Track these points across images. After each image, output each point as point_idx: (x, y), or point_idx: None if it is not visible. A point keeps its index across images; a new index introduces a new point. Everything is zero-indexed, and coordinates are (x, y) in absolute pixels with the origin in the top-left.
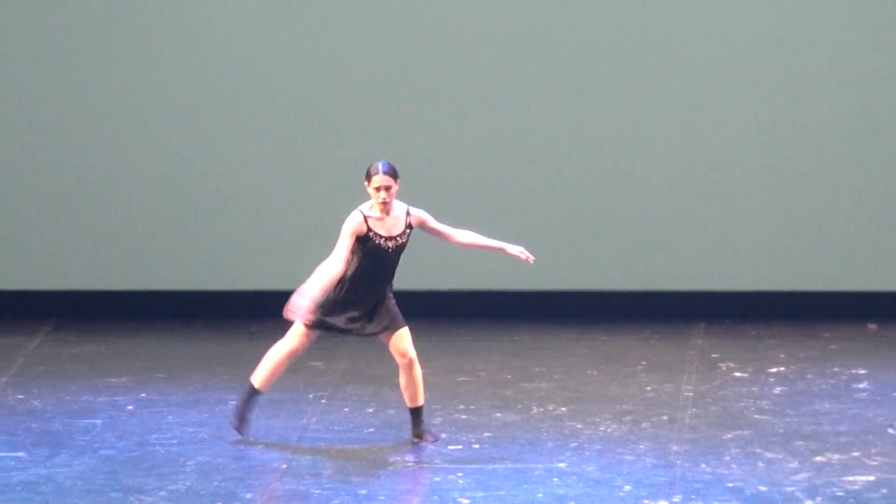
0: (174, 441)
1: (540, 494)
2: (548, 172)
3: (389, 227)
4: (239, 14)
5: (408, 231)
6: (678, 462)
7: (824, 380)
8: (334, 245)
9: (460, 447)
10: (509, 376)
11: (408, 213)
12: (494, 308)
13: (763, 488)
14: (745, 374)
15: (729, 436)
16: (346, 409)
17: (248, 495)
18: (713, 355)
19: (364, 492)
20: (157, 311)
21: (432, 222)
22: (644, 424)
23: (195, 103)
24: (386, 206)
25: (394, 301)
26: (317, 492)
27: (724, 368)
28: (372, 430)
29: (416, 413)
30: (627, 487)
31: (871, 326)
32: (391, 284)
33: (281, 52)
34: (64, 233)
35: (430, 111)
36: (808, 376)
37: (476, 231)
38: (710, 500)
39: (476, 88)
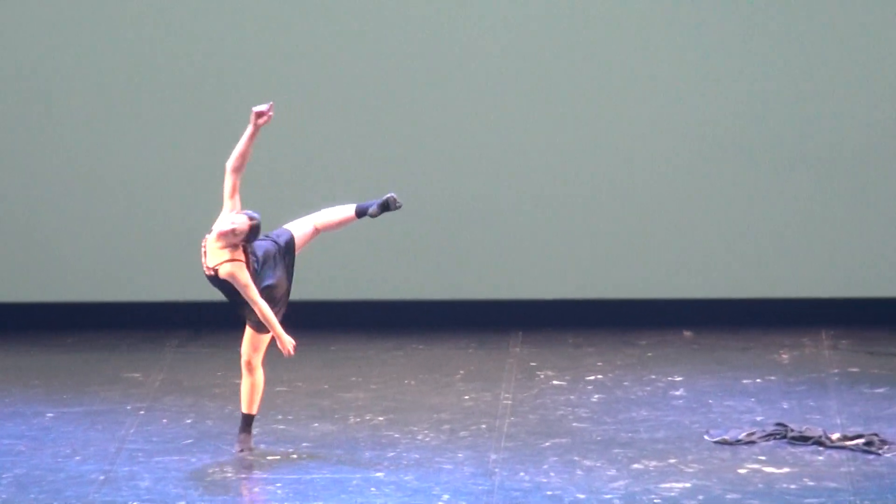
0: None
1: None
2: (378, 182)
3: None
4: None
5: (212, 272)
6: (496, 471)
7: (641, 387)
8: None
9: (278, 458)
10: (326, 386)
11: (244, 250)
12: (311, 318)
13: (581, 496)
14: (563, 382)
15: (547, 444)
16: (164, 421)
17: None
18: (531, 363)
19: (183, 503)
20: None
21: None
22: (462, 433)
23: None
24: (231, 243)
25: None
26: (135, 503)
27: (543, 377)
28: (190, 441)
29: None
30: (446, 496)
31: (687, 333)
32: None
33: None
34: None
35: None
36: (626, 384)
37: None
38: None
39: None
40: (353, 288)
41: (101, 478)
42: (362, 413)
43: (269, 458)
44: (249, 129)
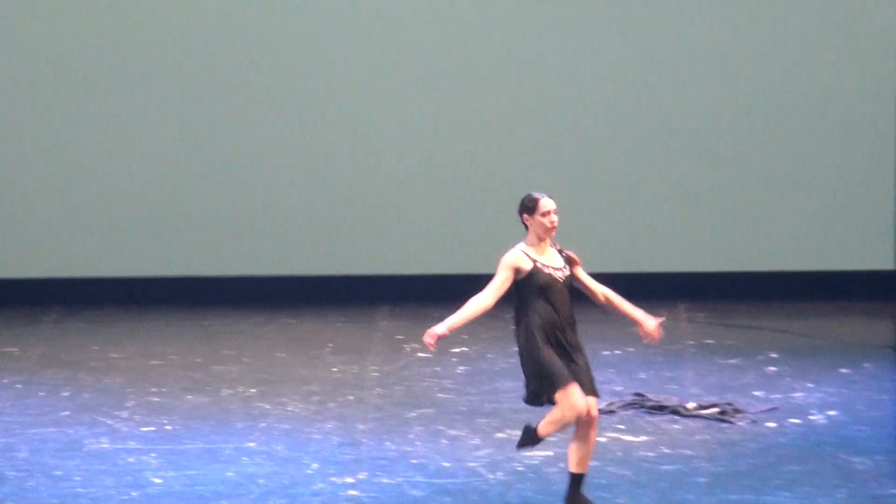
0: None
1: (230, 473)
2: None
3: (550, 258)
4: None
5: (567, 271)
6: (364, 440)
7: (504, 359)
8: None
9: (153, 428)
10: (199, 359)
11: (560, 250)
12: (184, 293)
13: (447, 464)
14: (429, 355)
15: (413, 414)
16: (41, 394)
17: None
18: (397, 337)
19: (59, 472)
20: None
21: (583, 275)
22: (331, 404)
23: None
24: (552, 229)
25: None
26: (12, 474)
27: (409, 349)
28: (67, 413)
29: (578, 480)
30: (315, 465)
31: None
32: (576, 332)
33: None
34: None
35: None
36: (490, 356)
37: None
38: (394, 476)
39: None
40: (224, 264)
41: None
42: (234, 385)
43: (143, 429)
44: (636, 313)
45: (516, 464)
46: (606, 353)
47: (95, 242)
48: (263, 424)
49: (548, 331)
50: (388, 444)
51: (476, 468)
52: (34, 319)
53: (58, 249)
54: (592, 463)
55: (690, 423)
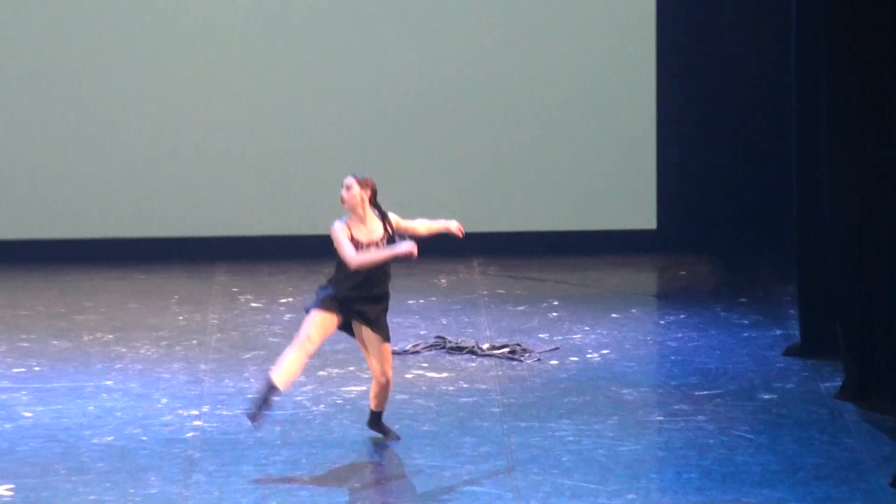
0: None
1: (91, 407)
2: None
3: (369, 230)
4: None
5: (386, 235)
6: (206, 378)
7: None
8: None
9: (24, 370)
10: (63, 310)
11: (387, 219)
12: (47, 252)
13: (276, 398)
14: (260, 305)
15: (248, 356)
16: None
17: None
18: (233, 289)
19: None
20: None
21: (403, 223)
22: (177, 348)
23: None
24: (343, 204)
25: (385, 308)
26: None
27: (243, 300)
28: None
29: (378, 415)
30: (164, 400)
31: None
32: (385, 288)
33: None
34: None
35: None
36: None
37: None
38: (233, 409)
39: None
40: (81, 227)
41: None
42: (94, 332)
43: (14, 370)
44: (440, 223)
45: (336, 398)
46: (411, 301)
47: None
48: (119, 365)
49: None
50: (226, 381)
51: (301, 402)
52: None
53: None
54: (401, 396)
55: (485, 361)
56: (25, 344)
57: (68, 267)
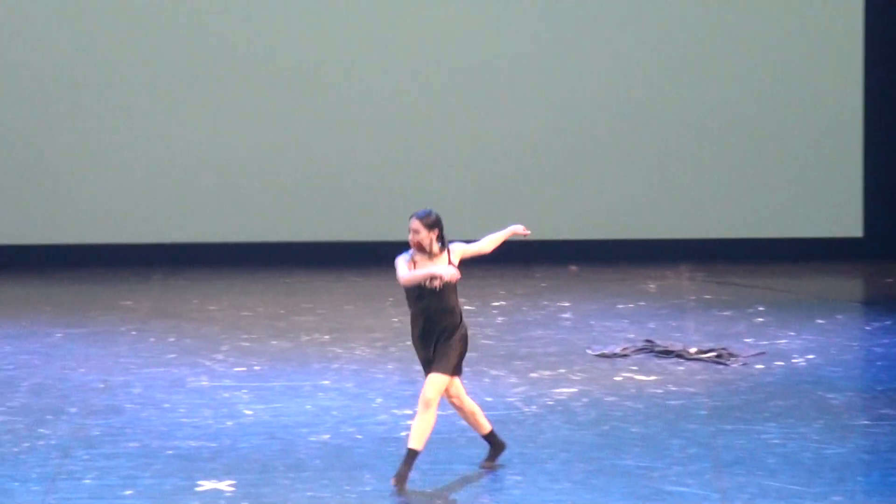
0: (10, 366)
1: (308, 406)
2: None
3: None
4: None
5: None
6: (419, 379)
7: (536, 311)
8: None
9: (244, 369)
10: (282, 311)
11: (448, 252)
12: (270, 255)
13: (489, 399)
14: (473, 307)
15: None
16: (151, 340)
17: (73, 409)
18: None
19: (167, 405)
20: None
21: (468, 250)
22: (392, 349)
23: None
24: (414, 246)
25: (456, 340)
26: (129, 406)
27: None
28: (173, 356)
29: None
30: (379, 400)
31: (573, 268)
32: (451, 323)
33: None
34: None
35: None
36: (524, 308)
37: None
38: (445, 409)
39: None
40: (302, 231)
41: (101, 386)
42: (311, 332)
43: (235, 369)
44: (507, 232)
45: (547, 399)
46: (621, 306)
47: (195, 212)
48: (336, 366)
49: None
50: None
51: (514, 402)
52: (145, 278)
53: (168, 218)
54: (610, 398)
55: (693, 365)
56: (246, 344)
57: (289, 269)
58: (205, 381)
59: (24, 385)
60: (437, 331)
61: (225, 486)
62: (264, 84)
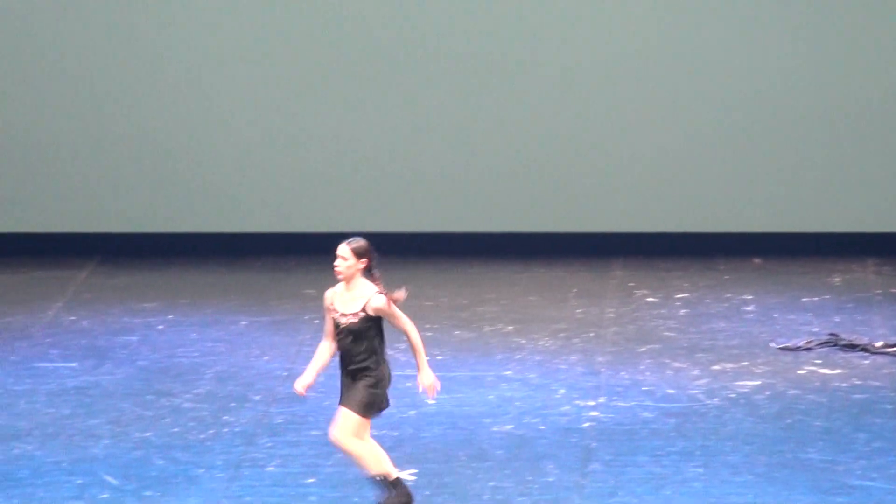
0: (196, 354)
1: (491, 396)
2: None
3: (347, 301)
4: None
5: (361, 314)
6: (602, 370)
7: (719, 304)
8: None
9: (427, 359)
10: (465, 301)
11: (368, 299)
12: (453, 245)
13: (671, 391)
14: (656, 300)
15: (643, 349)
16: None
17: (257, 397)
18: (630, 284)
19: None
20: (181, 249)
21: (392, 319)
22: (575, 340)
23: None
24: (337, 276)
25: (367, 383)
26: (312, 394)
27: (639, 295)
28: None
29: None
30: (562, 391)
31: (756, 261)
32: (365, 364)
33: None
34: (107, 183)
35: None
36: (707, 301)
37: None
38: (628, 400)
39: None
40: (487, 221)
41: (285, 374)
42: (494, 323)
43: None
44: (420, 360)
45: (729, 391)
46: (805, 299)
47: (378, 202)
48: (518, 356)
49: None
50: (622, 373)
51: (696, 395)
52: (328, 266)
53: (352, 207)
54: (793, 391)
55: (878, 358)
56: (429, 333)
57: (472, 259)
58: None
59: (209, 373)
60: (349, 370)
61: (407, 475)
62: (451, 76)
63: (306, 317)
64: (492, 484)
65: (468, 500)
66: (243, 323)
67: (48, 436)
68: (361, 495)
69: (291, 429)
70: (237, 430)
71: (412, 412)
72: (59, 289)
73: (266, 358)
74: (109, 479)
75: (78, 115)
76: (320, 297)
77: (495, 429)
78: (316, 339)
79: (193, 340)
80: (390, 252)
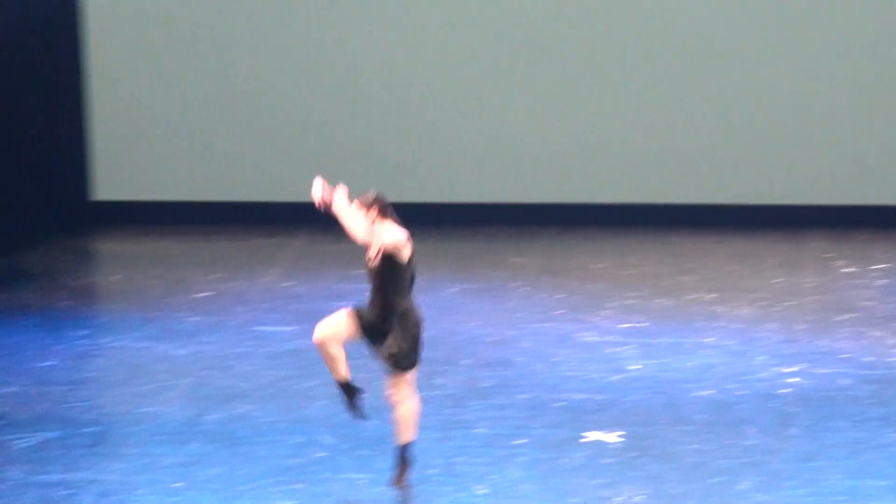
0: None
1: (691, 363)
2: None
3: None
4: None
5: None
6: (801, 338)
7: None
8: None
9: (630, 325)
10: (667, 270)
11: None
12: (656, 216)
13: (869, 359)
14: (853, 270)
15: (841, 318)
16: (541, 296)
17: (466, 361)
18: (826, 255)
19: (556, 359)
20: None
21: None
22: (774, 308)
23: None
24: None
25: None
26: (519, 359)
27: (836, 265)
28: (561, 311)
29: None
30: (761, 358)
31: None
32: (394, 313)
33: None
34: (321, 155)
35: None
36: None
37: None
38: (827, 367)
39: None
40: (686, 193)
41: (493, 339)
42: (695, 292)
43: (620, 325)
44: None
45: None
46: None
47: (580, 173)
48: (718, 324)
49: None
50: (821, 341)
51: (894, 363)
52: (534, 236)
53: (556, 179)
54: None
55: None
56: (631, 301)
57: (674, 229)
58: (592, 337)
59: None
60: (375, 313)
61: (613, 437)
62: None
63: (513, 284)
64: (694, 447)
65: (670, 462)
66: (453, 290)
67: (267, 397)
68: (570, 456)
69: (500, 392)
70: (448, 392)
71: (616, 377)
72: (274, 256)
73: (473, 324)
74: (326, 437)
75: (297, 92)
76: (527, 266)
77: (696, 394)
78: (523, 305)
79: None
80: (590, 222)
